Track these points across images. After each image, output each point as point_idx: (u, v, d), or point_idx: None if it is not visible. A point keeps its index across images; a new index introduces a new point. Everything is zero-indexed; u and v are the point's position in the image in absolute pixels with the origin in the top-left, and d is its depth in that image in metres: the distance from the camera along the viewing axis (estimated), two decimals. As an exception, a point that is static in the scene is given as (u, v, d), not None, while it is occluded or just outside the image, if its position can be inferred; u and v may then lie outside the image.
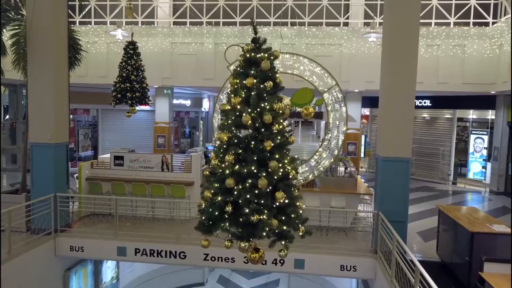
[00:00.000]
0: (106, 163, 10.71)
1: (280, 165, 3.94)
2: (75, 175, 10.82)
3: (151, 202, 9.89)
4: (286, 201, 3.99)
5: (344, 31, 13.29)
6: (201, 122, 22.97)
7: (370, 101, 17.03)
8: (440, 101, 16.37)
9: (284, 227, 4.11)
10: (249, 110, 3.88)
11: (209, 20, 13.98)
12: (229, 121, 4.00)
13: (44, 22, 8.18)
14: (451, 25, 13.22)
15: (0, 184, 10.49)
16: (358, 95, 14.72)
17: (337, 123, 9.45)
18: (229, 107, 4.06)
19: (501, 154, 14.47)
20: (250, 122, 3.83)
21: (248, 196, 3.82)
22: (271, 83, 3.98)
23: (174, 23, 14.41)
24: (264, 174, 3.85)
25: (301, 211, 4.25)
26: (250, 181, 3.84)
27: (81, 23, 14.16)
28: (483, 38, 12.85)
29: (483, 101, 15.00)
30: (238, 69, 4.17)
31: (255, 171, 3.86)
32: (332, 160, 9.50)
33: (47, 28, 8.24)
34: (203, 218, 4.24)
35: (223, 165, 3.92)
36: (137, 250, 8.42)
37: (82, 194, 9.91)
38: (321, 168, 9.47)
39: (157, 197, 9.88)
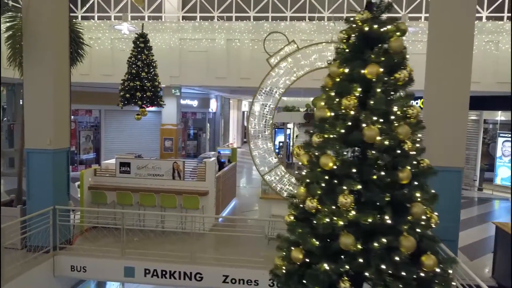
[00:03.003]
0: (110, 170, 9.73)
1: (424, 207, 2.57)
2: (76, 184, 9.84)
3: (161, 216, 8.90)
4: (437, 269, 2.56)
5: (368, 26, 12.26)
6: (208, 124, 21.97)
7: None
8: (466, 102, 15.33)
9: None
10: (374, 118, 2.52)
11: (220, 15, 12.97)
12: (334, 136, 2.59)
13: (42, 12, 7.19)
14: (483, 19, 12.20)
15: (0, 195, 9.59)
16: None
17: None
18: (331, 113, 2.66)
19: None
20: (379, 138, 2.51)
21: (383, 266, 2.44)
22: (406, 73, 2.70)
23: (183, 17, 13.40)
24: (405, 227, 2.48)
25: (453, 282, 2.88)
26: (384, 240, 2.44)
27: (83, 17, 13.18)
28: (519, 34, 11.82)
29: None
30: (347, 50, 2.80)
31: (389, 221, 2.47)
32: None
33: (45, 19, 7.25)
34: None
35: (327, 210, 2.50)
36: (147, 271, 7.44)
37: (85, 206, 8.93)
38: None
39: (168, 209, 8.89)
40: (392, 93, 2.64)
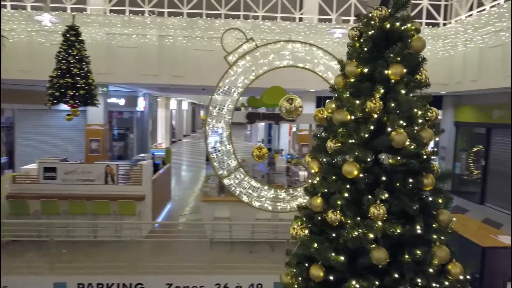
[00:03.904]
0: (32, 176, 8.79)
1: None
2: (-10, 192, 8.74)
3: (94, 224, 8.23)
4: (461, 277, 2.55)
5: (301, 26, 12.51)
6: (136, 123, 20.90)
7: (322, 101, 16.57)
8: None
9: None
10: (401, 122, 2.40)
11: (152, 9, 12.36)
12: (353, 141, 2.44)
13: None
14: (405, 25, 13.04)
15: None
16: (312, 95, 14.09)
17: None
18: (351, 117, 2.47)
19: (448, 153, 14.75)
20: (408, 143, 2.40)
21: (418, 280, 2.33)
22: (426, 74, 2.66)
23: (111, 11, 12.55)
24: (435, 236, 2.40)
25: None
26: (418, 251, 2.30)
27: (-8, 6, 11.75)
28: (435, 39, 12.83)
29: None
30: (364, 48, 2.58)
31: (419, 231, 2.37)
32: None
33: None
34: None
35: (352, 222, 2.31)
36: (81, 286, 6.83)
37: (2, 218, 7.90)
38: None
39: (102, 216, 8.25)
40: (411, 95, 2.57)
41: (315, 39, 12.56)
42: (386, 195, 2.35)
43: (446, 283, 2.46)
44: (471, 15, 11.89)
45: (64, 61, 7.89)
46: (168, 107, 28.84)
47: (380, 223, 2.31)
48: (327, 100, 2.87)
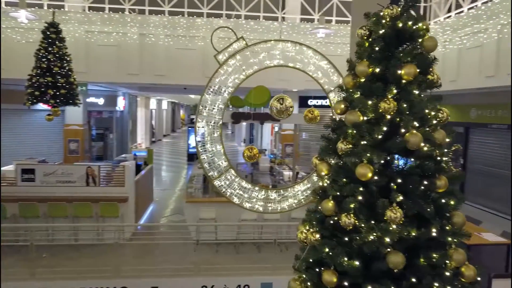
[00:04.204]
0: (9, 178, 8.50)
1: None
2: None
3: (75, 227, 8.02)
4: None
5: (284, 26, 12.51)
6: (115, 123, 20.50)
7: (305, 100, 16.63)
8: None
9: None
10: (415, 123, 2.38)
11: (132, 7, 12.14)
12: (365, 142, 2.40)
13: None
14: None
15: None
16: (295, 95, 14.10)
17: None
18: (364, 118, 2.44)
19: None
20: (422, 144, 2.36)
21: (436, 285, 2.35)
22: (438, 74, 2.60)
23: (90, 8, 12.25)
24: (449, 239, 2.41)
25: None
26: (435, 255, 2.33)
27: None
28: (416, 40, 13.03)
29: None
30: (376, 47, 2.51)
31: (434, 234, 2.38)
32: None
33: None
34: None
35: (367, 226, 2.27)
36: (63, 291, 6.62)
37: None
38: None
39: (83, 219, 8.04)
40: (422, 95, 2.56)
41: (298, 39, 12.56)
42: (401, 198, 2.33)
43: (459, 286, 2.48)
44: (449, 16, 12.13)
45: (44, 60, 7.62)
46: (147, 106, 28.46)
47: (394, 226, 2.29)
48: (336, 101, 2.83)
